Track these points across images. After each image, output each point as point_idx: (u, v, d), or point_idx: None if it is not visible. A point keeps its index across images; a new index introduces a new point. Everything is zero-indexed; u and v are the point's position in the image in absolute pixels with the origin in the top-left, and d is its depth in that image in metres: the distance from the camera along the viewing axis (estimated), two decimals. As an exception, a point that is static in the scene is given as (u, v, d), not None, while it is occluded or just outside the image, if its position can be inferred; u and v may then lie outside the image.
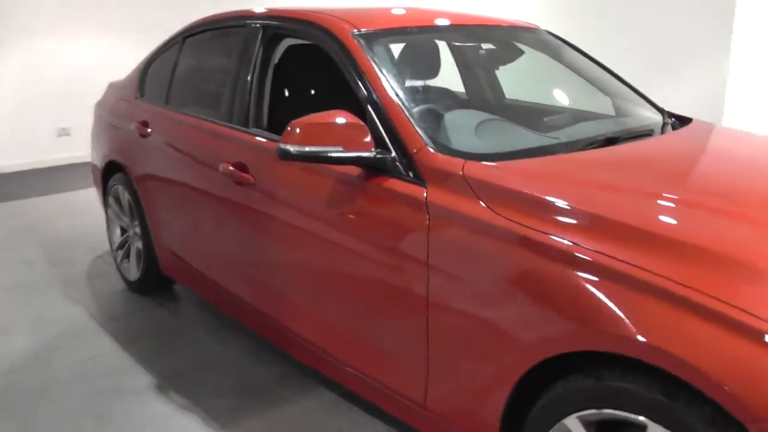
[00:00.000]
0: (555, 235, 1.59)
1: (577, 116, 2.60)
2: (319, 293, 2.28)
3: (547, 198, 1.68)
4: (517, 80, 3.10)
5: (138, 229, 3.41)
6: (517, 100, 3.13)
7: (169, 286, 3.59)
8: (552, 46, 2.84)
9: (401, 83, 2.22)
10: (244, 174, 2.47)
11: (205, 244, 2.87)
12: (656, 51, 5.23)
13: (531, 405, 1.70)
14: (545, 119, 2.54)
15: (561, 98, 2.97)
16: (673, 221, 1.60)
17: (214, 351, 2.96)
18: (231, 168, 2.52)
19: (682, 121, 2.61)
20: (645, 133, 2.31)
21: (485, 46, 2.93)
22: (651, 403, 1.42)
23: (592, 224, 1.58)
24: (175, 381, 2.71)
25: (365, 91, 2.13)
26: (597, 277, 1.49)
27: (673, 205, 1.70)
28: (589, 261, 1.51)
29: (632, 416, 1.46)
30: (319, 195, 2.18)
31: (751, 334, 1.29)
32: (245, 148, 2.53)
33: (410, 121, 2.02)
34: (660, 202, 1.71)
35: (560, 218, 1.63)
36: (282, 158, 2.00)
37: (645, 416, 1.44)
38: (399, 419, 2.12)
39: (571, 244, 1.56)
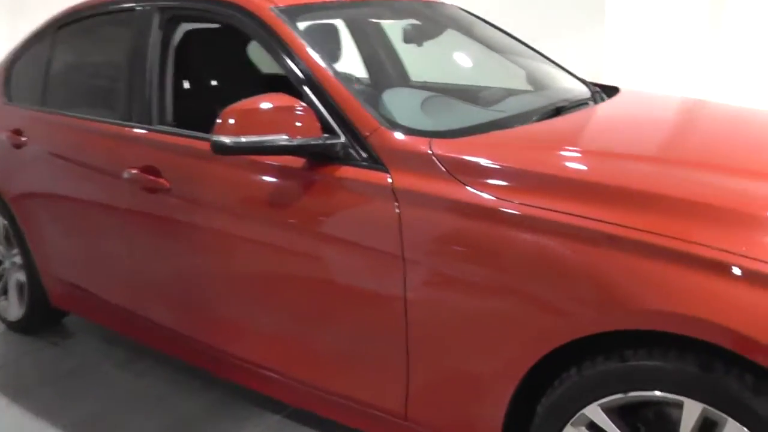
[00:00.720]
0: (554, 209, 1.44)
1: (509, 91, 2.49)
2: (265, 306, 2.00)
3: (537, 170, 1.53)
4: (427, 58, 2.94)
5: (18, 259, 2.92)
6: (425, 82, 2.98)
7: (58, 320, 3.10)
8: (462, 21, 2.71)
9: (335, 61, 1.99)
10: (155, 179, 2.13)
11: (109, 267, 2.47)
12: (536, 20, 5.29)
13: (535, 402, 1.54)
14: (480, 94, 2.41)
15: (479, 76, 2.85)
16: (674, 182, 1.49)
17: (132, 387, 2.57)
18: (138, 173, 2.16)
19: (605, 89, 2.57)
20: (584, 103, 2.24)
21: (407, 22, 2.75)
22: (685, 379, 1.30)
23: (592, 193, 1.45)
24: (93, 429, 2.31)
25: (299, 72, 1.88)
26: (610, 249, 1.35)
27: (664, 165, 1.60)
28: (597, 232, 1.37)
29: (666, 395, 1.33)
30: (255, 193, 1.90)
31: None
32: (154, 150, 2.19)
33: (358, 101, 1.80)
34: (649, 164, 1.61)
35: (556, 190, 1.48)
36: (217, 153, 1.71)
37: (680, 394, 1.32)
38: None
39: (574, 216, 1.41)
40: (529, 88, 2.52)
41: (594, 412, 1.43)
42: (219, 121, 1.72)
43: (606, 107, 2.27)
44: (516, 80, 2.62)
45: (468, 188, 1.55)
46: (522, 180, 1.53)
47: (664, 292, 1.28)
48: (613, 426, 1.41)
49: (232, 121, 1.71)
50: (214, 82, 2.75)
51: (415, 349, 1.67)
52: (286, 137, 1.71)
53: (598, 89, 2.51)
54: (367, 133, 1.74)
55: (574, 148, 1.73)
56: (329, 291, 1.80)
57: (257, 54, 2.51)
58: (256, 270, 1.97)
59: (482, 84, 2.67)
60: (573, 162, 1.62)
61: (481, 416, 1.60)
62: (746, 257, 1.24)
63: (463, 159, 1.61)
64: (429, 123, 1.88)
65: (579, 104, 2.18)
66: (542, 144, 1.75)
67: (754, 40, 5.57)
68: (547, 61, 2.69)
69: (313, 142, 1.74)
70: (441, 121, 1.94)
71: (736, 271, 1.24)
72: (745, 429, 1.25)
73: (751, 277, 1.22)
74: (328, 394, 1.91)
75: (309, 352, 1.93)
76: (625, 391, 1.38)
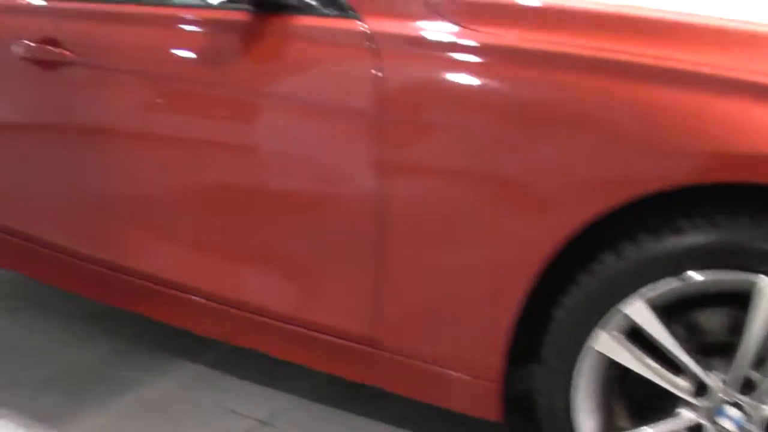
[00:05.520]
0: (587, 46, 1.10)
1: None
2: (195, 209, 1.57)
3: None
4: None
5: None
6: None
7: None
8: None
9: None
10: (55, 49, 1.67)
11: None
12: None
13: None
14: None
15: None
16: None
17: (17, 337, 2.06)
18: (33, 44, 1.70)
19: None
20: None
21: None
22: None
23: (614, 24, 1.12)
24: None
25: None
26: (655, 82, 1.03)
27: None
28: (641, 65, 1.04)
29: (741, 276, 1.01)
30: (190, 54, 1.49)
31: None
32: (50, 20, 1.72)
33: None
34: None
35: (579, 25, 1.14)
36: None
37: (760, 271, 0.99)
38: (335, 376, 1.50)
39: (612, 49, 1.08)
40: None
41: (637, 309, 1.08)
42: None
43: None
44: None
45: (471, 30, 1.19)
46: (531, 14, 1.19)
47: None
48: (660, 326, 1.08)
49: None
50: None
51: (394, 240, 1.29)
52: None
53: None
54: None
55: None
56: (277, 183, 1.42)
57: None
58: (180, 163, 1.55)
59: None
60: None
61: (478, 334, 1.25)
62: None
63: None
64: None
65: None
66: None
67: None
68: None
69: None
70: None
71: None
72: None
73: None
74: (275, 318, 1.51)
75: (250, 263, 1.53)
76: (678, 272, 1.04)
